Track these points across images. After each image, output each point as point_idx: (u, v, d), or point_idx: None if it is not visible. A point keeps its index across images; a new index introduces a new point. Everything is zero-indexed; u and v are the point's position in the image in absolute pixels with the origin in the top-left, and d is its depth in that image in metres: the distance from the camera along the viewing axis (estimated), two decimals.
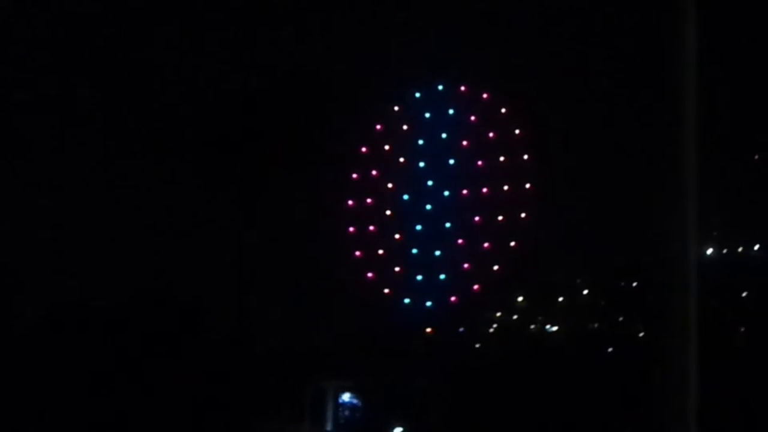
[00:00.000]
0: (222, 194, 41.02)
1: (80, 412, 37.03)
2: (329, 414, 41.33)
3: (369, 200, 40.50)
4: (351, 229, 40.52)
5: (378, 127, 40.60)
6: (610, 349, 35.74)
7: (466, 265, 39.32)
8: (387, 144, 40.48)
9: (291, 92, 40.85)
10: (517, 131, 39.56)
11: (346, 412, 41.57)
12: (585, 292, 37.64)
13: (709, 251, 35.37)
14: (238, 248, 40.47)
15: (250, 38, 40.78)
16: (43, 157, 40.87)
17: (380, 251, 40.22)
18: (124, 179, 41.18)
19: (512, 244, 39.14)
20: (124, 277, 40.25)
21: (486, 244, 39.34)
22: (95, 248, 40.53)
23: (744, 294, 34.89)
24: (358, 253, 40.36)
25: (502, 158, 39.58)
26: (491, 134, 39.82)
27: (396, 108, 40.63)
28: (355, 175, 40.70)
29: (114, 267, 40.30)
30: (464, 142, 39.99)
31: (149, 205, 40.93)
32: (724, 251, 35.70)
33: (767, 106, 35.04)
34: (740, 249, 35.82)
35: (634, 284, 36.49)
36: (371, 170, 40.62)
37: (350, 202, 40.65)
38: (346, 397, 41.44)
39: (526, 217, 39.07)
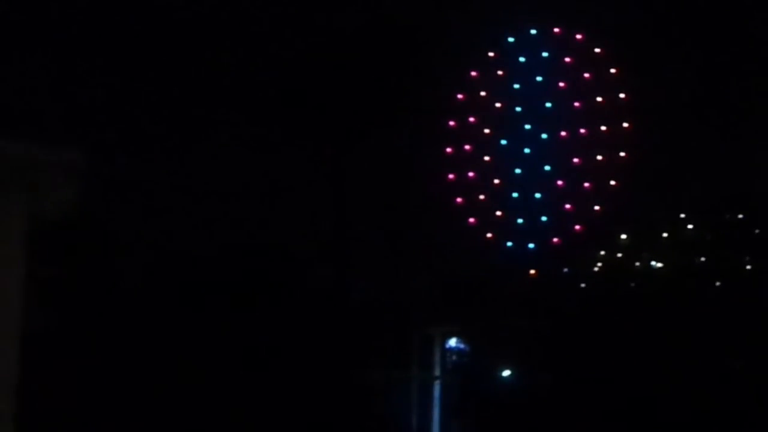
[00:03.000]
0: (320, 146, 40.73)
1: (185, 362, 37.00)
2: (437, 359, 41.00)
3: (467, 147, 39.94)
4: (450, 175, 40.01)
5: (473, 73, 39.95)
6: (717, 283, 34.98)
7: (567, 206, 38.66)
8: (483, 90, 39.84)
9: (384, 42, 40.34)
10: (613, 70, 38.71)
11: (453, 357, 41.20)
12: (689, 227, 36.85)
13: None
14: (337, 198, 40.19)
15: None
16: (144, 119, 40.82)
17: (481, 196, 39.67)
18: (223, 139, 41.03)
19: (612, 183, 38.40)
20: (227, 232, 40.14)
21: (586, 184, 38.63)
22: (199, 203, 40.44)
23: None
24: (458, 199, 39.86)
25: (599, 98, 38.77)
26: (587, 75, 39.01)
27: (491, 53, 39.94)
28: (452, 122, 40.15)
29: (217, 221, 40.20)
30: (560, 84, 39.23)
31: (249, 161, 40.76)
32: None
33: None
34: None
35: (740, 217, 35.64)
36: (468, 117, 40.04)
37: (448, 149, 40.12)
38: (452, 342, 41.08)
39: (625, 155, 38.27)
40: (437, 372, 39.98)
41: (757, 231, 33.20)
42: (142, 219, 39.66)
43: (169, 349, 35.92)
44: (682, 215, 36.74)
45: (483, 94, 39.48)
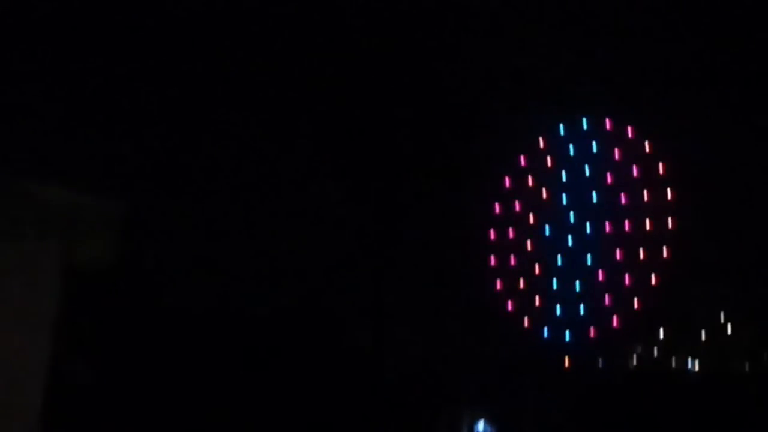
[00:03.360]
0: (365, 216, 40.86)
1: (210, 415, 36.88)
2: None
3: (511, 232, 39.92)
4: (492, 260, 39.95)
5: (522, 159, 40.03)
6: (755, 388, 34.62)
7: (606, 300, 38.46)
8: (530, 177, 39.88)
9: (437, 121, 40.60)
10: (661, 167, 38.64)
11: None
12: (730, 327, 36.59)
13: None
14: (378, 272, 40.26)
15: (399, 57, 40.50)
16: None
17: (521, 283, 39.58)
18: (270, 198, 41.06)
19: (654, 280, 38.16)
20: (266, 289, 40.12)
21: (627, 280, 38.42)
22: (241, 259, 40.42)
23: None
24: (498, 283, 39.79)
25: (645, 194, 38.67)
26: (635, 170, 38.95)
27: (541, 141, 40.02)
28: (498, 207, 40.17)
29: (257, 278, 40.18)
30: (608, 177, 39.18)
31: (294, 222, 40.81)
32: None
33: None
34: None
35: None
36: (514, 203, 40.05)
37: (492, 234, 40.11)
38: (480, 426, 40.81)
39: (668, 253, 38.06)
40: None
41: None
42: (183, 271, 39.71)
43: (197, 407, 35.79)
44: (722, 315, 36.51)
45: (530, 181, 39.46)
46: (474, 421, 40.41)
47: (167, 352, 38.24)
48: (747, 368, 35.50)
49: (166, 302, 39.33)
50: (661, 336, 37.57)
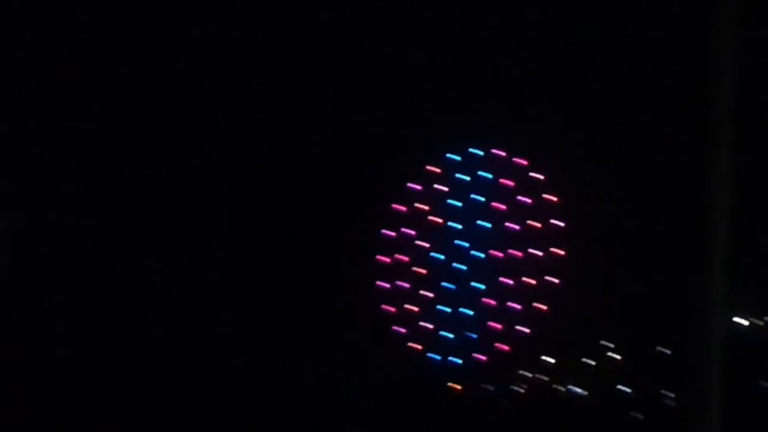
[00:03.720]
0: (254, 243, 40.65)
1: None
2: None
3: (402, 257, 40.12)
4: (383, 284, 40.07)
5: (415, 186, 40.29)
6: (639, 416, 35.21)
7: (495, 325, 38.85)
8: (422, 203, 40.16)
9: (329, 147, 40.65)
10: (552, 198, 39.27)
11: None
12: (616, 356, 37.24)
13: (741, 321, 34.96)
14: (267, 295, 40.06)
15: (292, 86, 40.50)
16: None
17: (411, 307, 39.75)
18: (155, 219, 40.61)
19: (542, 307, 38.69)
20: (157, 316, 39.66)
21: (516, 306, 38.88)
22: (130, 286, 39.88)
23: None
24: (389, 307, 39.90)
25: (536, 223, 39.24)
26: (526, 199, 39.50)
27: (432, 168, 40.34)
28: (390, 233, 40.33)
29: (148, 305, 39.69)
30: (499, 206, 39.67)
31: (185, 250, 40.43)
32: (757, 319, 35.27)
33: None
34: None
35: (667, 351, 36.07)
36: (405, 228, 40.25)
37: (383, 258, 40.25)
38: None
39: (556, 281, 38.63)
40: None
41: (679, 368, 33.42)
42: (68, 293, 38.99)
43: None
44: (610, 344, 37.13)
45: (422, 207, 39.73)
46: None
47: (50, 375, 37.52)
48: (630, 392, 36.15)
49: (50, 325, 38.60)
50: (550, 361, 38.04)
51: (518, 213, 39.36)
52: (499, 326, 38.69)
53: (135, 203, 40.21)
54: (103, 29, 40.26)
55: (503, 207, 39.61)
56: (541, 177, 39.13)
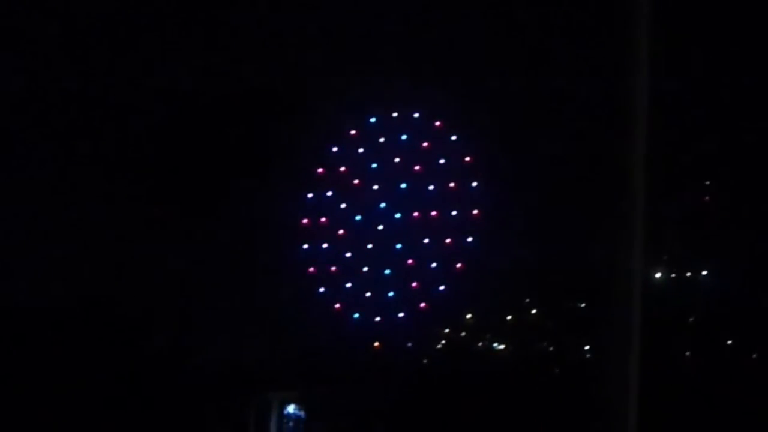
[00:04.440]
0: (173, 204, 40.25)
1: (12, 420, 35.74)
2: (273, 425, 40.51)
3: (323, 219, 39.99)
4: (305, 246, 39.93)
5: (334, 149, 40.12)
6: (556, 370, 35.43)
7: (414, 284, 38.89)
8: (342, 166, 40.01)
9: (247, 108, 40.34)
10: (467, 158, 39.30)
11: (290, 424, 40.78)
12: (533, 311, 37.42)
13: (657, 274, 35.22)
14: (185, 258, 39.72)
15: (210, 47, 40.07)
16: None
17: (332, 268, 39.67)
18: (74, 186, 40.00)
19: (458, 265, 38.77)
20: (68, 282, 39.14)
21: (433, 265, 38.93)
22: (39, 251, 39.28)
23: (691, 318, 34.75)
24: (311, 269, 39.79)
25: (451, 184, 39.27)
26: (442, 160, 39.51)
27: (352, 131, 40.19)
28: (310, 195, 40.18)
29: (59, 271, 39.13)
30: (416, 167, 39.64)
31: (96, 212, 39.90)
32: (673, 275, 35.57)
33: (720, 125, 35.00)
34: (689, 273, 35.68)
35: (582, 305, 36.29)
36: (326, 191, 40.12)
37: (305, 221, 40.08)
38: (291, 408, 40.66)
39: (472, 240, 38.72)
40: None
41: (596, 322, 33.67)
42: None
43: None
44: (527, 300, 37.29)
45: (342, 169, 39.59)
46: (284, 405, 40.26)
47: None
48: (550, 350, 36.35)
49: None
50: (468, 319, 38.15)
51: (434, 174, 39.36)
52: (417, 285, 38.70)
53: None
54: None
55: (420, 168, 39.59)
56: (455, 138, 39.13)
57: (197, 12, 40.06)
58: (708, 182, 35.81)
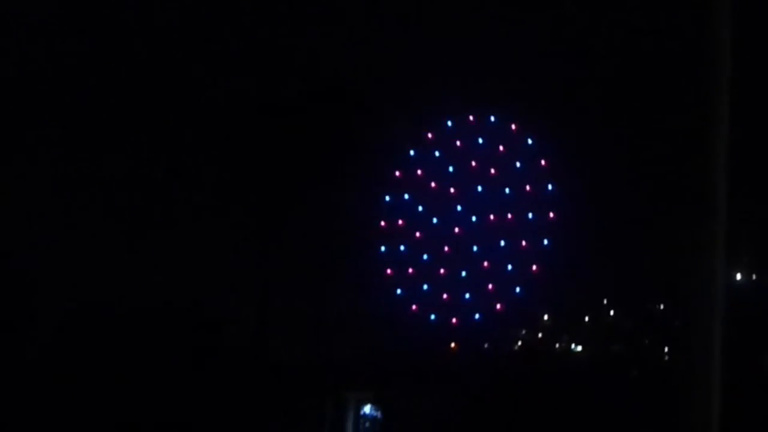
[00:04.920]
0: (251, 207, 40.45)
1: (95, 421, 36.07)
2: (350, 425, 40.49)
3: (400, 222, 39.99)
4: (382, 248, 39.94)
5: (411, 152, 40.11)
6: (634, 372, 35.04)
7: (490, 286, 38.72)
8: (419, 169, 39.98)
9: (326, 112, 40.44)
10: (542, 162, 39.04)
11: (367, 424, 40.74)
12: (611, 313, 37.07)
13: (738, 276, 34.70)
14: (264, 260, 39.89)
15: (288, 48, 40.17)
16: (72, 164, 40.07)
17: (409, 270, 39.65)
18: (150, 188, 40.34)
19: (534, 268, 38.52)
20: (147, 285, 39.47)
21: (509, 267, 38.74)
22: (120, 256, 39.64)
23: None
24: (388, 270, 39.79)
25: (527, 187, 39.05)
26: (518, 164, 39.32)
27: (429, 135, 40.14)
28: (387, 198, 40.19)
29: (138, 275, 39.47)
30: (492, 171, 39.46)
31: (174, 218, 40.20)
32: (753, 277, 35.02)
33: None
34: None
35: (661, 307, 35.87)
36: (404, 193, 40.10)
37: (382, 223, 40.11)
38: (367, 409, 40.62)
39: (548, 243, 38.47)
40: None
41: (676, 323, 33.41)
42: (62, 267, 38.74)
43: (77, 407, 34.66)
44: (605, 301, 36.94)
45: (419, 172, 39.56)
46: (360, 405, 40.23)
47: (43, 349, 37.29)
48: (627, 352, 35.97)
49: (34, 300, 38.37)
50: (545, 320, 37.90)
51: (510, 178, 39.17)
52: (493, 287, 38.53)
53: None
54: None
55: (496, 172, 39.42)
56: (531, 142, 38.93)
57: (275, 14, 40.20)
58: None
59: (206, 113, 40.50)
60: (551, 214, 39.16)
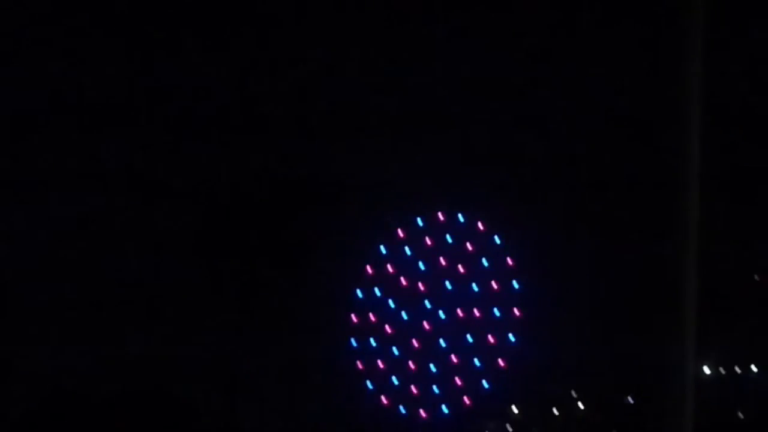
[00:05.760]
0: (221, 291, 40.48)
1: None
2: None
3: (372, 316, 40.10)
4: (353, 341, 39.99)
5: (383, 249, 40.32)
6: None
7: (458, 381, 38.78)
8: (390, 265, 40.18)
9: (297, 207, 40.72)
10: (509, 260, 39.33)
11: None
12: (581, 405, 37.10)
13: (707, 370, 34.81)
14: (235, 349, 39.83)
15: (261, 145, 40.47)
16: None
17: (380, 363, 39.69)
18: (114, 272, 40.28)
19: (501, 363, 38.61)
20: (114, 370, 39.26)
21: (476, 362, 38.82)
22: (88, 339, 39.44)
23: (740, 414, 34.24)
24: (359, 364, 39.81)
25: (494, 284, 39.30)
26: (485, 262, 39.56)
27: (400, 232, 40.43)
28: (359, 293, 40.32)
29: (105, 360, 39.27)
30: (460, 268, 39.72)
31: (142, 301, 40.17)
32: (722, 371, 35.13)
33: None
34: (738, 370, 35.26)
35: (631, 401, 35.94)
36: (374, 288, 40.24)
37: (354, 317, 40.19)
38: None
39: (515, 339, 38.60)
40: None
41: (646, 417, 33.36)
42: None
43: None
44: (574, 394, 37.01)
45: (390, 269, 39.76)
46: None
47: None
48: None
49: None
50: (515, 413, 37.91)
51: (478, 275, 39.38)
52: (461, 381, 38.57)
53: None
54: None
55: (464, 269, 39.63)
56: (499, 241, 39.22)
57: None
58: (756, 276, 35.51)
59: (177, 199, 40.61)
60: (516, 311, 39.36)
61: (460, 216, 40.68)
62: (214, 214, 41.10)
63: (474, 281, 40.04)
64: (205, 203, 40.98)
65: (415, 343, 40.00)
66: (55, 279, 39.54)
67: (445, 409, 39.01)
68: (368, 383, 40.06)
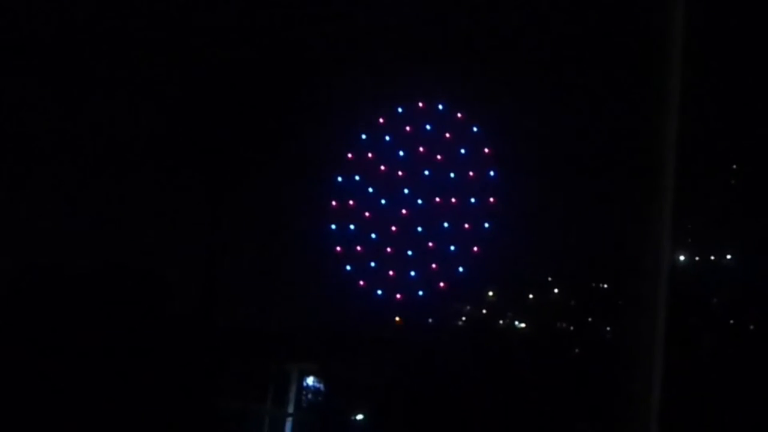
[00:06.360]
0: (203, 178, 40.19)
1: (33, 385, 35.56)
2: (292, 396, 40.49)
3: (351, 202, 40.25)
4: (333, 226, 40.19)
5: (363, 136, 40.33)
6: (576, 349, 35.39)
7: (434, 265, 39.13)
8: (370, 152, 40.22)
9: (279, 92, 40.44)
10: (486, 149, 39.39)
11: (309, 396, 40.78)
12: (555, 290, 37.46)
13: (682, 257, 35.03)
14: (213, 230, 39.75)
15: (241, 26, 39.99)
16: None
17: (358, 248, 39.95)
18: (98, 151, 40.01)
19: (475, 249, 38.93)
20: (92, 249, 39.20)
21: (452, 248, 39.12)
22: (66, 219, 39.31)
23: (714, 301, 34.56)
24: (338, 248, 40.05)
25: (471, 173, 39.44)
26: (463, 150, 39.63)
27: (381, 120, 40.38)
28: (339, 178, 40.40)
29: (83, 238, 39.18)
30: (438, 156, 39.80)
31: (124, 187, 39.99)
32: (697, 258, 35.37)
33: (748, 114, 34.70)
34: (713, 257, 35.49)
35: (605, 286, 36.23)
36: (355, 175, 40.32)
37: (334, 202, 40.34)
38: (310, 380, 40.68)
39: (489, 226, 38.87)
40: (291, 409, 39.42)
41: (619, 302, 33.61)
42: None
43: (21, 366, 34.24)
44: (549, 278, 37.32)
45: (370, 155, 39.78)
46: (304, 377, 40.25)
47: None
48: (571, 328, 36.35)
49: None
50: (490, 297, 38.31)
51: (455, 163, 39.50)
52: (437, 266, 38.89)
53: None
54: None
55: (441, 157, 39.74)
56: (476, 131, 39.25)
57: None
58: (734, 167, 35.49)
59: (158, 81, 40.21)
60: (491, 199, 39.57)
61: (439, 105, 40.69)
62: (194, 92, 40.51)
63: (451, 169, 40.19)
64: (187, 83, 40.47)
65: (393, 228, 40.26)
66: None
67: (420, 292, 39.44)
68: (347, 266, 40.40)
